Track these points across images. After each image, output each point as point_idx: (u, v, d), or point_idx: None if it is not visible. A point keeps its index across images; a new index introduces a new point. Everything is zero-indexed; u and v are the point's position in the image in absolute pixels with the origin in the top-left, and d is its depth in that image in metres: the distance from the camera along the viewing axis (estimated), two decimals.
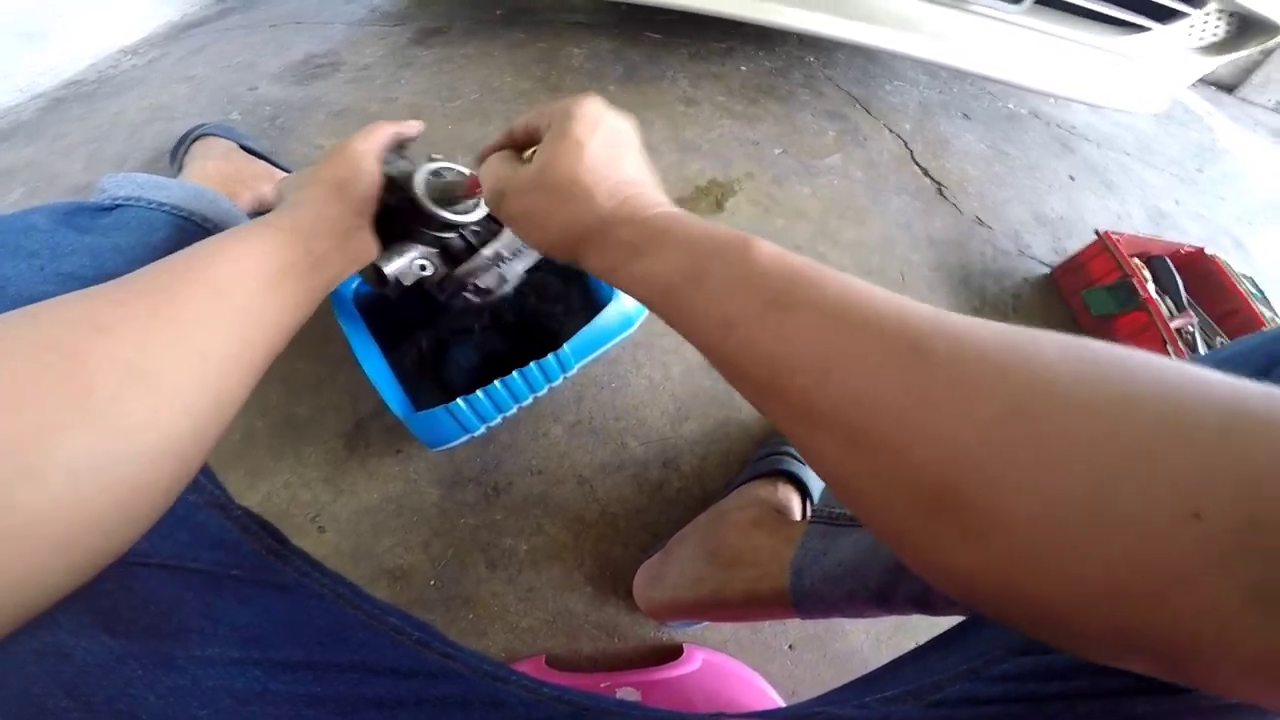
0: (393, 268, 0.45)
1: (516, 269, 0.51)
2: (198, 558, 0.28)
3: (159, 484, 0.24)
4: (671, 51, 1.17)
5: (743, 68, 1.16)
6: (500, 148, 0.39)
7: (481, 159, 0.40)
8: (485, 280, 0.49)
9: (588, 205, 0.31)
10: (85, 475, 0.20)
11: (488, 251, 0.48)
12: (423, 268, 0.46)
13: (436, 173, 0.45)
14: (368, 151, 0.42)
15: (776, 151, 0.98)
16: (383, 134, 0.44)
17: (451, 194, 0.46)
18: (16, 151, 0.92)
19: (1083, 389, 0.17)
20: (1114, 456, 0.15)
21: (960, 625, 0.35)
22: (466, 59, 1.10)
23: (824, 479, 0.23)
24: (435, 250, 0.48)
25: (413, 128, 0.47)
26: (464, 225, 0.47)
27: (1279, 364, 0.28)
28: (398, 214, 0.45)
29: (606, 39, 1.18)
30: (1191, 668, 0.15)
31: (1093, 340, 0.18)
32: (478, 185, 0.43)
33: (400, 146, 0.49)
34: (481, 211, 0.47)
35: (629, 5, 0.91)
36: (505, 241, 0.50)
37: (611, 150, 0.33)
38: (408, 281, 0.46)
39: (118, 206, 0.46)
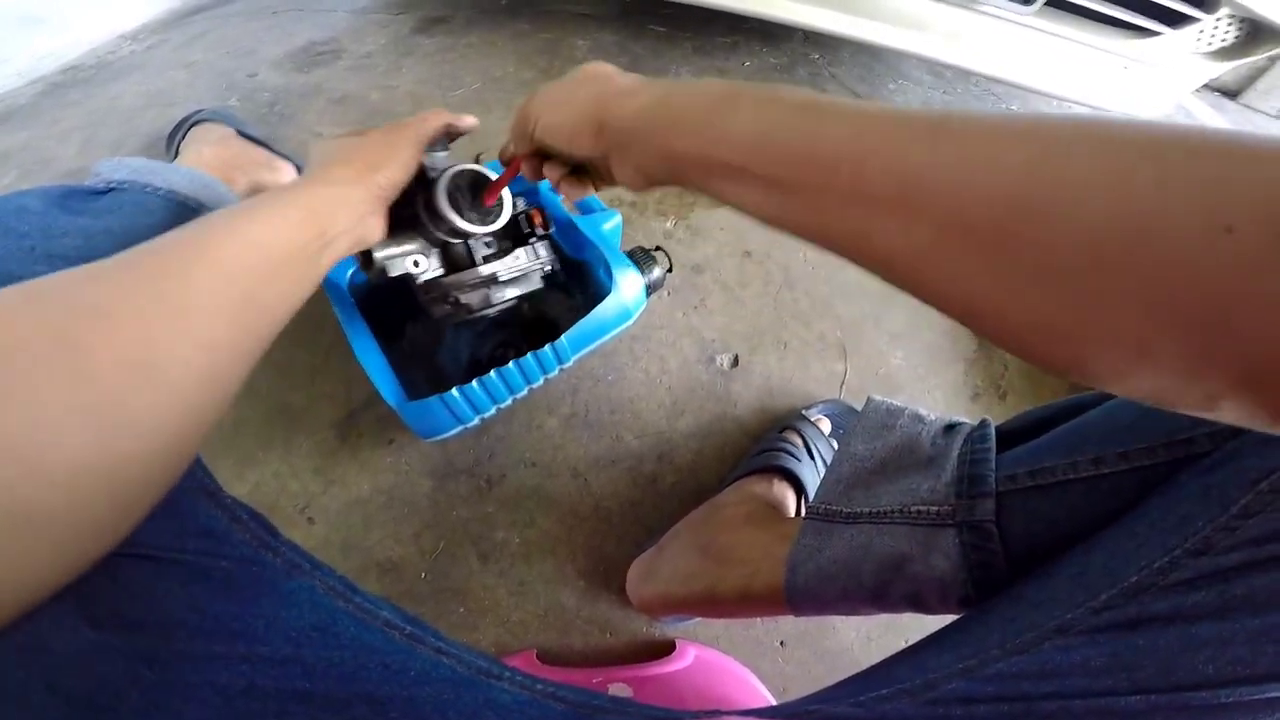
0: (382, 254, 0.44)
1: (506, 294, 0.49)
2: (185, 547, 0.27)
3: (156, 481, 0.23)
4: (675, 45, 1.16)
5: (746, 63, 1.15)
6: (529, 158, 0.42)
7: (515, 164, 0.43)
8: (469, 298, 0.47)
9: (618, 80, 0.35)
10: (87, 475, 0.20)
11: (485, 270, 0.47)
12: (415, 264, 0.45)
13: (464, 174, 0.44)
14: (416, 139, 0.41)
15: None
16: (437, 123, 0.43)
17: (475, 198, 0.45)
18: (11, 135, 0.91)
19: (1107, 131, 0.18)
20: (1146, 183, 0.16)
21: (954, 624, 0.35)
22: (469, 48, 1.09)
23: (872, 261, 0.23)
24: (435, 250, 0.47)
25: (467, 123, 0.46)
26: (475, 235, 0.45)
27: None
28: (413, 202, 0.44)
29: (610, 31, 1.18)
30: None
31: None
32: (500, 187, 0.45)
33: (449, 138, 0.48)
34: (496, 226, 0.46)
35: None
36: (507, 265, 0.48)
37: (565, 113, 0.36)
38: (394, 271, 0.44)
39: (111, 190, 0.46)
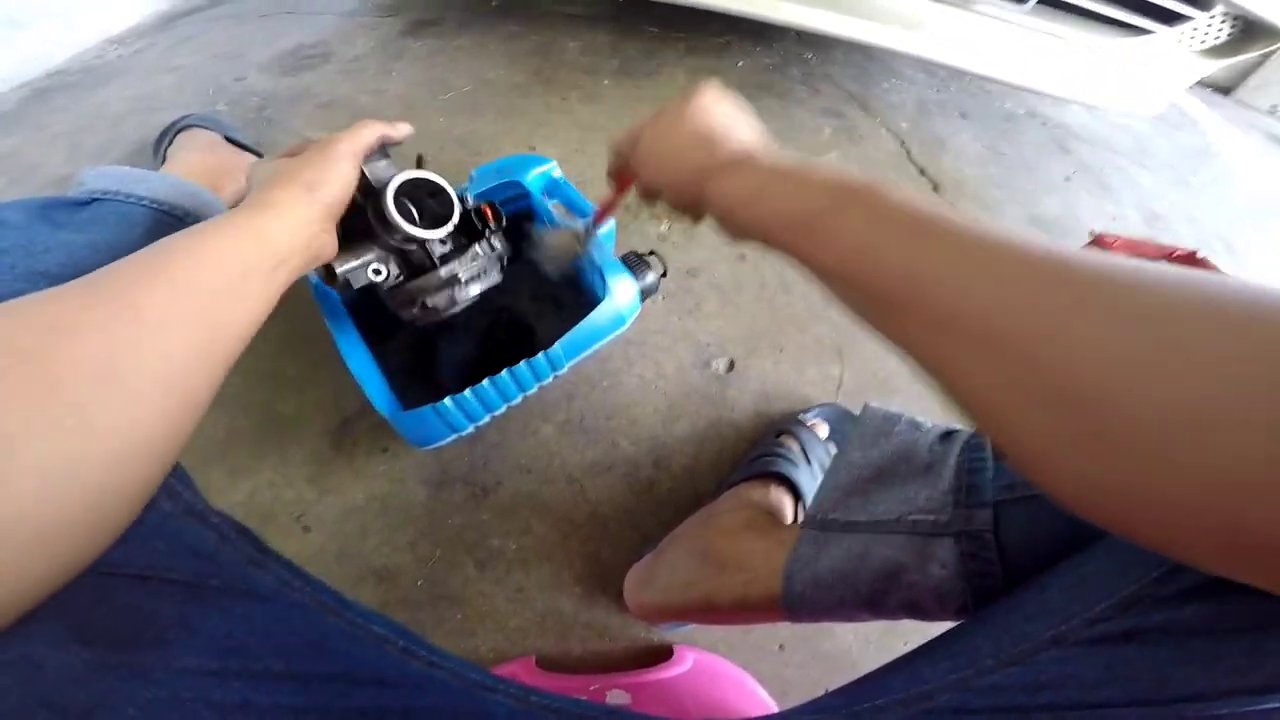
0: (345, 268, 0.44)
1: (470, 292, 0.50)
2: (174, 567, 0.27)
3: (130, 487, 0.24)
4: (669, 46, 1.16)
5: (740, 63, 1.15)
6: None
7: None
8: (434, 300, 0.48)
9: (726, 145, 0.35)
10: (55, 478, 0.20)
11: (444, 272, 0.48)
12: (377, 271, 0.46)
13: (408, 182, 0.44)
14: (349, 153, 0.41)
15: None
16: (370, 135, 0.43)
17: (421, 203, 0.45)
18: None
19: (1213, 305, 0.18)
20: (1236, 364, 0.16)
21: (949, 633, 0.35)
22: (459, 51, 1.09)
23: (948, 387, 0.24)
24: (393, 256, 0.47)
25: (402, 131, 0.46)
26: (426, 240, 0.46)
27: None
28: (364, 213, 0.44)
29: (604, 32, 1.17)
30: None
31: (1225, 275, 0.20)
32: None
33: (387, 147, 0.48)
34: (447, 229, 0.46)
35: None
36: (466, 262, 0.49)
37: (735, 115, 0.38)
38: (357, 284, 0.45)
39: (95, 200, 0.45)
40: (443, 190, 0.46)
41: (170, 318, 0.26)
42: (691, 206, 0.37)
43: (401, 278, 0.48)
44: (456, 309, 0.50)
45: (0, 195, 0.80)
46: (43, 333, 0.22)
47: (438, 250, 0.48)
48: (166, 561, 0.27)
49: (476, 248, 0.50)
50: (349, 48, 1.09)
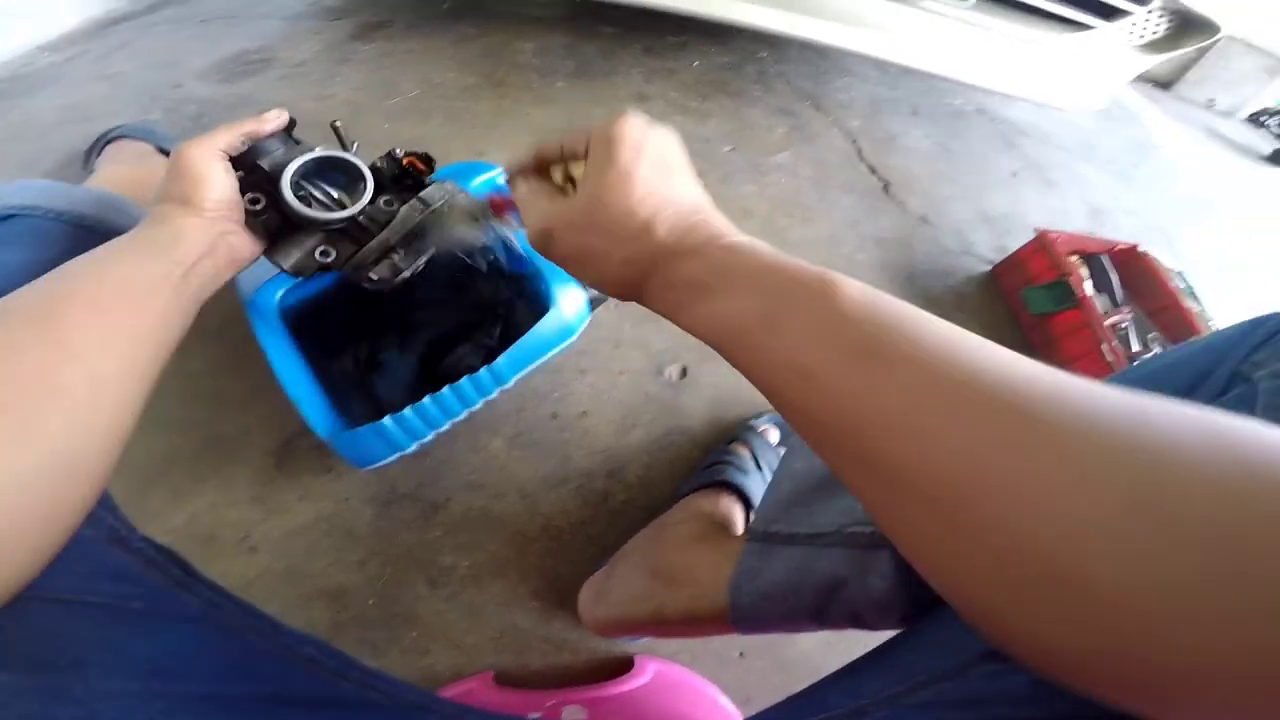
0: (291, 263, 0.43)
1: (413, 257, 0.47)
2: (95, 590, 0.27)
3: (67, 505, 0.25)
4: (625, 46, 1.15)
5: (696, 63, 1.15)
6: (530, 169, 0.36)
7: (509, 179, 0.38)
8: (378, 272, 0.46)
9: (647, 241, 0.29)
10: (3, 494, 0.21)
11: (373, 244, 0.45)
12: (324, 254, 0.45)
13: (309, 164, 0.44)
14: (203, 158, 0.38)
15: (726, 149, 0.98)
16: (228, 136, 0.41)
17: (344, 177, 0.45)
18: None
19: (1212, 470, 0.15)
20: (1244, 545, 0.14)
21: (890, 642, 0.35)
22: (409, 54, 1.07)
23: (908, 554, 0.21)
24: (336, 236, 0.46)
25: (269, 126, 0.44)
26: (333, 224, 0.44)
27: (1203, 382, 0.29)
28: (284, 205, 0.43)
29: (560, 33, 1.16)
30: None
31: (1223, 414, 0.17)
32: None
33: (289, 132, 0.47)
34: (359, 206, 0.44)
35: None
36: (396, 228, 0.46)
37: (662, 174, 0.30)
38: (308, 272, 0.44)
39: (12, 216, 0.43)
40: (348, 162, 0.45)
41: (91, 337, 0.27)
42: (633, 300, 0.32)
43: (350, 253, 0.45)
44: (405, 275, 0.47)
45: None
46: None
47: (383, 215, 0.46)
48: (88, 585, 0.27)
49: (403, 210, 0.47)
50: (293, 53, 1.06)
